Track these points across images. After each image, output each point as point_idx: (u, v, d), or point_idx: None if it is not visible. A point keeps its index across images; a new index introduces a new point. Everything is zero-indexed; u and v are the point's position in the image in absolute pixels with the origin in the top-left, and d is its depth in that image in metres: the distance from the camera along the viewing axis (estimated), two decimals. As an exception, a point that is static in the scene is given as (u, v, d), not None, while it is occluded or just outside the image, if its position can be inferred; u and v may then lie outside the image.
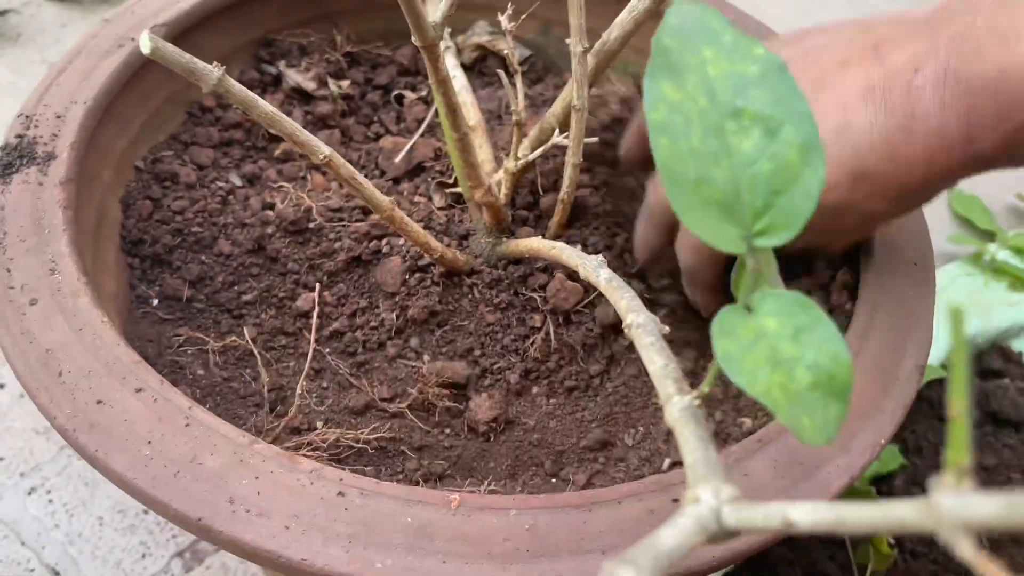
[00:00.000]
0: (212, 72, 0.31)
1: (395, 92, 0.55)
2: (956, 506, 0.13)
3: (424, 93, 0.56)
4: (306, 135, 0.34)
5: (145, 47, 0.29)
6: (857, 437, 0.35)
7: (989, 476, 0.67)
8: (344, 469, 0.32)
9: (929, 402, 0.72)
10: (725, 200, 0.21)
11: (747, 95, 0.22)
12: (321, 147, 0.35)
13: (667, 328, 0.28)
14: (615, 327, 0.45)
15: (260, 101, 0.32)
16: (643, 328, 0.27)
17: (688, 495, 0.18)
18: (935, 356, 0.72)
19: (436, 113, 0.52)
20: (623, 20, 0.39)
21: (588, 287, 0.46)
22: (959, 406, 0.13)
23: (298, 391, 0.39)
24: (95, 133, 0.42)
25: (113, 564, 0.63)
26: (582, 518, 0.31)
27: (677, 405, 0.22)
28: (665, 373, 0.25)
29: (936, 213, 0.91)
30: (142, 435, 0.31)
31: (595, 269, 0.34)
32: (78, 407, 0.32)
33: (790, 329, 0.21)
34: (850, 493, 0.55)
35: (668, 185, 0.21)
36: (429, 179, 0.50)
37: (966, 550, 0.13)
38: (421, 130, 0.52)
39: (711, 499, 0.17)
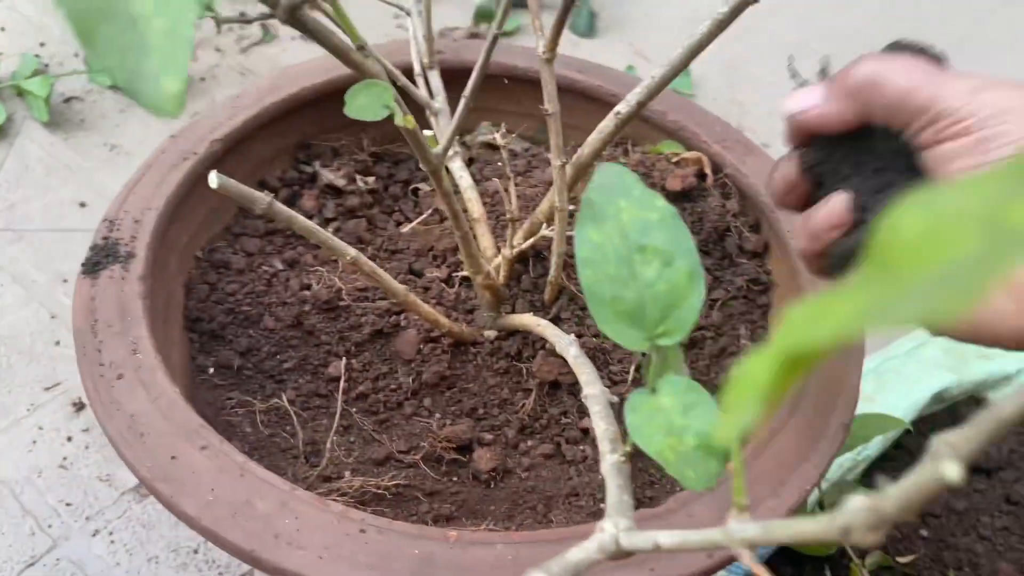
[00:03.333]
0: (262, 199, 0.40)
1: (413, 186, 0.64)
2: (738, 529, 0.21)
3: (438, 184, 0.65)
4: (335, 241, 0.43)
5: (213, 183, 0.38)
6: (787, 484, 0.42)
7: (960, 519, 0.73)
8: (366, 511, 0.40)
9: (908, 449, 0.79)
10: (633, 312, 0.29)
11: (650, 235, 0.30)
12: (348, 250, 0.44)
13: (615, 398, 0.36)
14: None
15: (299, 218, 0.41)
16: (595, 399, 0.35)
17: (597, 526, 0.25)
18: (911, 408, 0.78)
19: (447, 204, 0.61)
20: (593, 140, 0.47)
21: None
22: (737, 465, 0.21)
23: (328, 446, 0.48)
24: (165, 232, 0.51)
25: (167, 598, 0.71)
26: (557, 550, 0.38)
27: (608, 461, 0.30)
28: (605, 435, 0.32)
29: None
30: (207, 484, 0.39)
31: (567, 346, 0.42)
32: (157, 462, 0.40)
33: (681, 405, 0.29)
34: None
35: (591, 303, 0.29)
36: (440, 261, 0.59)
37: (745, 557, 0.21)
38: (423, 218, 0.61)
39: (612, 528, 0.25)
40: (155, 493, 0.39)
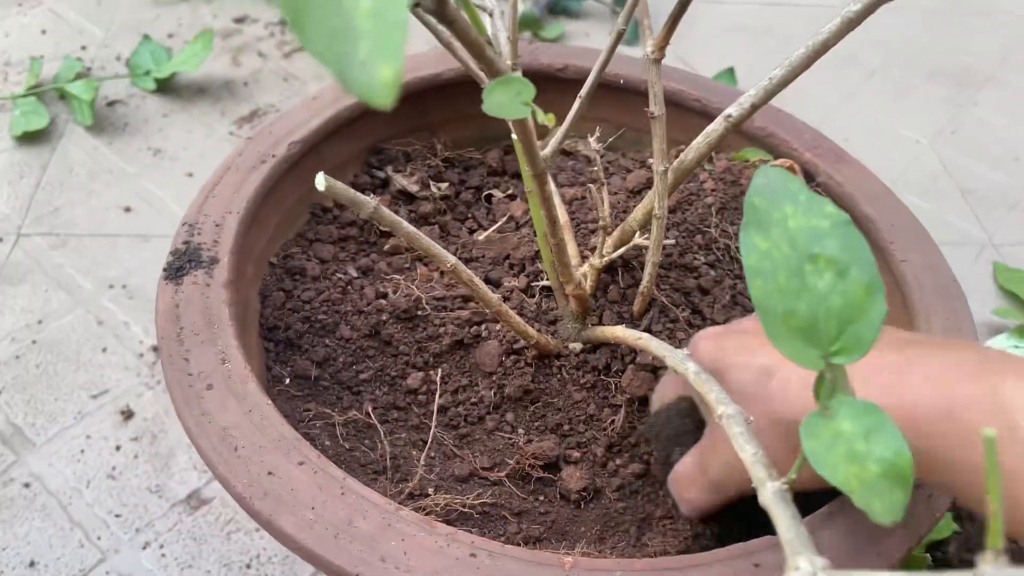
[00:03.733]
0: (369, 203, 0.38)
1: (485, 192, 0.62)
2: (994, 575, 0.19)
3: (510, 191, 0.63)
4: (437, 248, 0.41)
5: (321, 185, 0.36)
6: (915, 512, 0.39)
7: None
8: (473, 532, 0.38)
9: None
10: (806, 328, 0.27)
11: (821, 243, 0.28)
12: (448, 258, 0.41)
13: (752, 417, 0.33)
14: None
15: (404, 224, 0.39)
16: (733, 419, 0.33)
17: (789, 563, 0.23)
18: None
19: (525, 212, 0.59)
20: (698, 144, 0.45)
21: (659, 374, 0.52)
22: (995, 506, 0.19)
23: (421, 462, 0.45)
24: (245, 237, 0.49)
25: (221, 615, 0.69)
26: (679, 579, 0.36)
27: (770, 489, 0.28)
28: (756, 459, 0.30)
29: (981, 287, 0.95)
30: (306, 502, 0.37)
31: (683, 361, 0.39)
32: (252, 478, 0.38)
33: (862, 430, 0.26)
34: (908, 559, 0.59)
35: (762, 317, 0.27)
36: (518, 270, 0.57)
37: (1003, 608, 0.19)
38: (499, 225, 0.59)
39: (808, 567, 0.23)
40: (251, 512, 0.37)
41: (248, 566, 0.72)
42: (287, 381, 0.51)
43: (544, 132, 0.64)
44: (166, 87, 1.11)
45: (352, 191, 0.37)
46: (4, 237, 0.92)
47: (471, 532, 0.46)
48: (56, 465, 0.76)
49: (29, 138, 1.02)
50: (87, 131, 1.04)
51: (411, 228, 0.40)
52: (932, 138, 1.18)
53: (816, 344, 0.27)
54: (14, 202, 0.96)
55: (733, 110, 0.43)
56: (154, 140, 1.06)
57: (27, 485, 0.74)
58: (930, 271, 0.50)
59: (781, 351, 0.26)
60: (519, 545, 0.46)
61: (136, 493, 0.75)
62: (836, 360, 0.27)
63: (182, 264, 0.46)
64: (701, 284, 0.54)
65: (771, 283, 0.27)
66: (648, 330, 0.52)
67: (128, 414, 0.80)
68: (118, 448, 0.78)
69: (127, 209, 0.97)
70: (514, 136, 0.48)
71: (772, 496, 0.28)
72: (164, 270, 0.46)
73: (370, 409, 0.51)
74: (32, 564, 0.70)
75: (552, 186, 0.55)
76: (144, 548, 0.72)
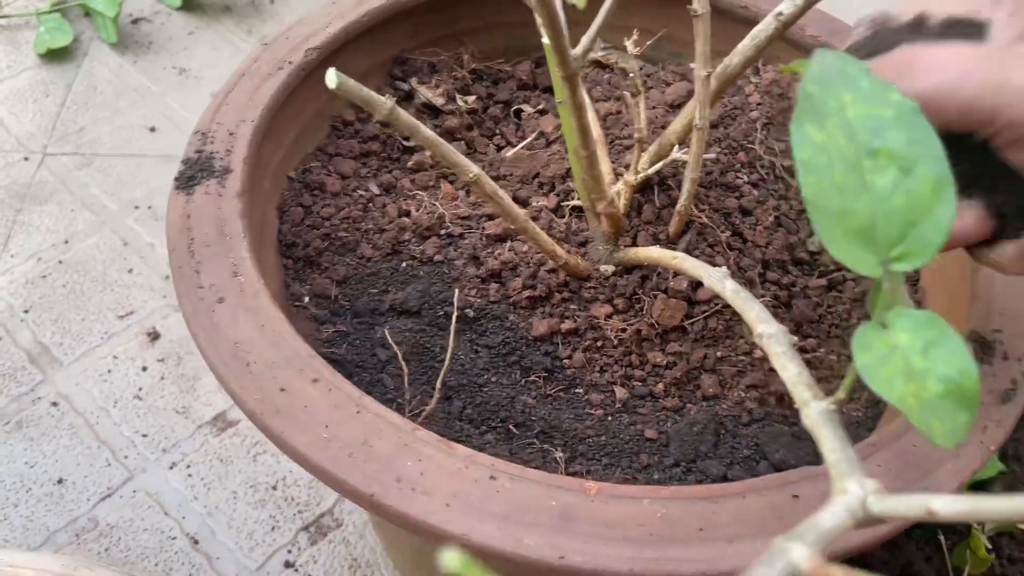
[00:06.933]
0: (385, 103, 0.35)
1: (515, 107, 0.59)
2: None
3: (540, 106, 0.60)
4: (459, 156, 0.38)
5: (331, 83, 0.34)
6: (969, 444, 0.37)
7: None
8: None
9: (1030, 410, 0.72)
10: (864, 230, 0.24)
11: (883, 136, 0.24)
12: (471, 167, 0.39)
13: (795, 338, 0.31)
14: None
15: (423, 128, 0.37)
16: (774, 338, 0.30)
17: (836, 487, 0.21)
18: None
19: (557, 127, 0.56)
20: (745, 47, 0.42)
21: (692, 302, 0.49)
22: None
23: (438, 386, 0.44)
24: (260, 148, 0.47)
25: (246, 535, 0.69)
26: (710, 509, 0.34)
27: (815, 409, 0.25)
28: (799, 380, 0.28)
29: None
30: (320, 420, 0.36)
31: (720, 280, 0.37)
32: (265, 394, 0.36)
33: (920, 343, 0.24)
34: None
35: (814, 216, 0.24)
36: (548, 188, 0.54)
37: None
38: (528, 142, 0.56)
39: (858, 490, 0.20)
40: (263, 428, 0.36)
41: (274, 488, 0.72)
42: (306, 300, 0.49)
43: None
44: (191, 4, 1.08)
45: (366, 90, 0.34)
46: (30, 156, 0.91)
47: (498, 451, 0.44)
48: (83, 385, 0.76)
49: (54, 56, 1.00)
50: (112, 49, 1.02)
51: (431, 133, 0.37)
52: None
53: (874, 248, 0.24)
54: (40, 120, 0.94)
55: (785, 7, 0.40)
56: (179, 59, 1.03)
57: (55, 404, 0.74)
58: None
59: (834, 254, 0.24)
60: (543, 463, 0.44)
61: (162, 414, 0.75)
62: (896, 267, 0.24)
63: (194, 174, 0.44)
64: (743, 204, 0.51)
65: (825, 179, 0.24)
66: (686, 253, 0.49)
67: (154, 335, 0.79)
68: (144, 369, 0.77)
69: (152, 129, 0.95)
70: (544, 40, 0.45)
71: (818, 417, 0.25)
72: (175, 180, 0.44)
73: (391, 330, 0.49)
74: (60, 481, 0.70)
75: (584, 94, 0.52)
76: (171, 468, 0.73)
